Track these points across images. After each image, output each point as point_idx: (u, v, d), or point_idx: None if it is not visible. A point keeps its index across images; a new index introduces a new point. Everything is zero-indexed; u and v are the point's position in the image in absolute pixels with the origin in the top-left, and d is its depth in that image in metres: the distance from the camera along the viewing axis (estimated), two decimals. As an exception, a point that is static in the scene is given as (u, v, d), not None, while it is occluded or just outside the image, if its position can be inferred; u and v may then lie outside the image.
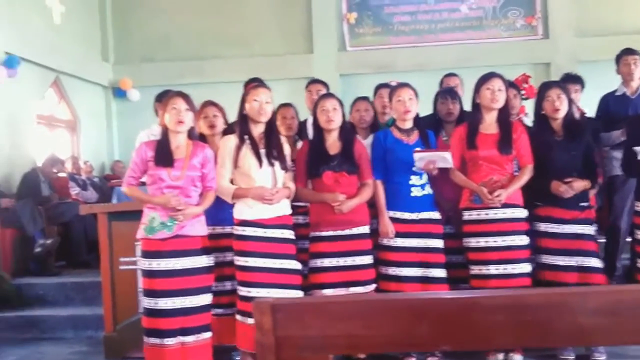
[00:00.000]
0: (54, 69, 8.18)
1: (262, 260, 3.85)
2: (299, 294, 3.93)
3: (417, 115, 4.33)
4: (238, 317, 3.91)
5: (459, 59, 9.10)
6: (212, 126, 4.28)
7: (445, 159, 4.10)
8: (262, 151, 3.91)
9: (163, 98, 4.05)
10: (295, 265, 3.95)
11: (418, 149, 4.14)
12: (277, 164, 3.92)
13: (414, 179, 4.20)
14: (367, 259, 4.14)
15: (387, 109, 4.87)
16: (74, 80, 8.76)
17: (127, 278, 4.64)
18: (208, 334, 3.85)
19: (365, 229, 4.18)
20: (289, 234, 3.98)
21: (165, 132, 3.82)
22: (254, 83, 4.21)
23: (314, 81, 5.45)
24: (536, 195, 4.23)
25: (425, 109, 4.64)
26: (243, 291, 3.87)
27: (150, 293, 3.73)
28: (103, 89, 9.62)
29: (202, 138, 4.33)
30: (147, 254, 3.75)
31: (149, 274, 3.73)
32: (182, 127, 3.77)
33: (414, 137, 4.27)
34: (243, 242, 3.88)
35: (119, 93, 9.56)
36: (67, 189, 7.45)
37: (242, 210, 3.90)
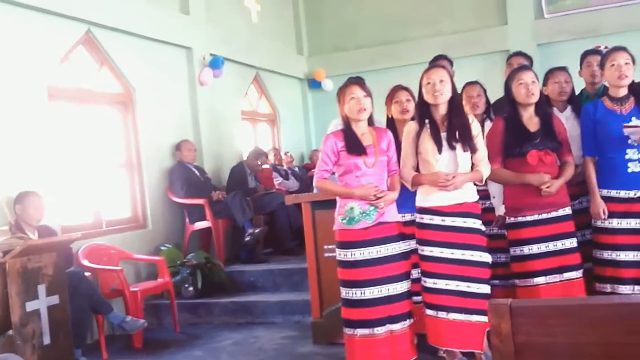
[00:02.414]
0: (254, 65, 8.57)
1: (439, 250, 3.66)
2: (485, 288, 3.67)
3: (633, 81, 3.84)
4: (426, 310, 3.75)
5: (675, 15, 8.07)
6: (404, 111, 4.16)
7: None
8: (443, 135, 3.69)
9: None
10: (483, 257, 3.69)
11: (627, 123, 3.67)
12: (459, 147, 3.67)
13: (631, 153, 3.76)
14: (574, 242, 3.84)
15: (596, 78, 4.42)
16: (272, 75, 9.11)
17: (331, 265, 4.64)
18: (411, 321, 3.77)
19: (568, 210, 3.87)
20: (473, 222, 3.71)
21: (347, 122, 3.76)
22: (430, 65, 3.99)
23: (517, 54, 5.09)
24: None
25: (638, 74, 4.12)
26: (422, 281, 3.75)
27: (355, 284, 3.68)
28: (299, 81, 9.92)
29: (392, 122, 4.24)
30: (347, 245, 3.70)
31: (352, 264, 3.68)
32: (364, 115, 3.71)
33: (629, 106, 3.81)
34: (422, 231, 3.73)
35: (313, 84, 9.80)
36: (271, 180, 7.79)
37: (421, 197, 3.76)
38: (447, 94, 3.70)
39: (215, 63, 7.35)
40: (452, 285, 3.64)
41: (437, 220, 3.68)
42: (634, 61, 3.82)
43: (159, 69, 6.81)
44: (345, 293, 3.73)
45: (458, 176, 3.63)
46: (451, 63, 5.40)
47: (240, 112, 8.32)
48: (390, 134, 3.85)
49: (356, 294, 3.67)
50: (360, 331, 3.68)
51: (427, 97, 3.72)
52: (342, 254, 3.73)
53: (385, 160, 3.75)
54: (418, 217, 3.75)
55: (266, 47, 8.91)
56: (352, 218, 3.66)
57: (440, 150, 3.67)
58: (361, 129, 3.76)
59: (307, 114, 9.97)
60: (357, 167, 3.68)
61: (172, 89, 7.01)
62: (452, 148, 3.68)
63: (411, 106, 4.19)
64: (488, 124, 4.30)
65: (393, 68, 9.17)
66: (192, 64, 7.24)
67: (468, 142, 3.69)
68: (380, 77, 8.78)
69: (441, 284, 3.65)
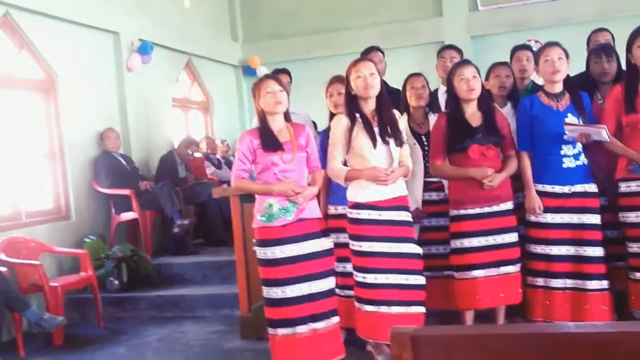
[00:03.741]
0: (186, 52, 8.33)
1: (378, 245, 3.61)
2: (421, 279, 3.68)
3: (568, 76, 3.88)
4: (356, 304, 3.71)
5: (605, 10, 8.26)
6: (337, 105, 4.08)
7: (599, 133, 3.65)
8: (376, 129, 3.63)
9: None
10: (416, 249, 3.69)
11: (568, 120, 3.71)
12: (391, 141, 3.63)
13: (566, 149, 3.79)
14: (515, 237, 3.86)
15: (525, 74, 4.47)
16: (205, 62, 8.89)
17: (259, 259, 4.59)
18: (337, 319, 3.72)
19: (510, 205, 3.88)
20: (406, 215, 3.70)
21: (263, 118, 3.67)
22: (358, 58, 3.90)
23: (448, 47, 5.08)
24: None
25: (571, 68, 4.17)
26: (359, 277, 3.67)
27: (275, 282, 3.59)
28: (233, 69, 9.71)
29: (332, 116, 4.17)
30: (267, 243, 3.60)
31: (272, 262, 3.59)
32: (280, 108, 3.63)
33: (565, 102, 3.84)
34: (356, 226, 3.65)
35: (248, 71, 9.61)
36: (203, 169, 7.61)
37: (356, 192, 3.66)
38: (377, 87, 3.63)
39: (144, 49, 7.10)
40: (392, 279, 3.61)
41: (374, 215, 3.63)
42: (567, 56, 3.84)
43: (83, 54, 6.53)
44: (266, 292, 3.64)
45: (396, 170, 3.60)
46: (383, 55, 5.37)
47: (171, 99, 8.08)
48: (308, 129, 3.79)
49: (277, 293, 3.59)
50: (281, 331, 3.60)
51: (359, 91, 3.63)
52: (262, 252, 3.63)
53: (303, 156, 3.68)
54: (354, 213, 3.66)
55: (199, 33, 8.67)
56: (271, 215, 3.57)
57: (375, 145, 3.61)
58: (278, 125, 3.67)
59: (242, 102, 9.77)
60: (274, 164, 3.59)
61: (98, 75, 6.74)
62: (386, 143, 3.63)
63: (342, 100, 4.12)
64: (432, 118, 4.25)
65: (329, 57, 9.07)
66: (119, 49, 6.96)
67: (398, 137, 3.66)
68: (316, 66, 8.71)
69: (382, 278, 3.60)
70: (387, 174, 3.55)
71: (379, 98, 3.67)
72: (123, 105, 7.00)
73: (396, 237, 3.63)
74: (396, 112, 3.79)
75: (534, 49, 4.65)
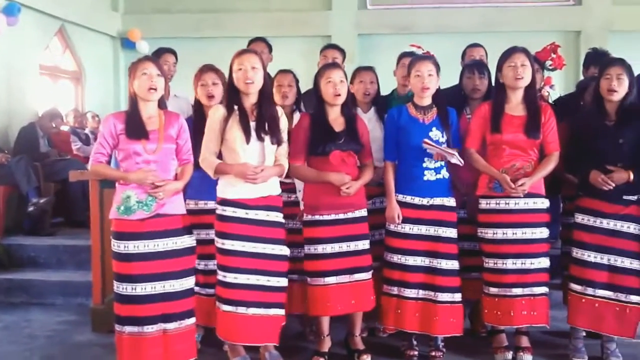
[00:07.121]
0: (59, 17, 7.80)
1: (241, 244, 3.54)
2: (283, 281, 3.66)
3: (438, 89, 3.94)
4: (217, 302, 3.63)
5: (484, 23, 8.71)
6: (210, 96, 3.93)
7: (452, 157, 3.75)
8: (252, 124, 3.54)
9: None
10: (283, 250, 3.65)
11: (427, 140, 3.77)
12: (267, 138, 3.56)
13: (428, 162, 3.84)
14: (367, 244, 3.87)
15: (408, 81, 4.49)
16: (80, 30, 8.38)
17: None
18: (192, 320, 3.58)
19: (364, 212, 3.89)
20: (276, 216, 3.66)
21: (134, 101, 3.46)
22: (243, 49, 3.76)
23: (330, 46, 5.03)
24: (580, 185, 3.90)
25: (445, 75, 4.20)
26: (220, 275, 3.59)
27: (126, 278, 3.40)
28: (111, 40, 9.24)
29: (200, 107, 4.00)
30: (122, 236, 3.40)
31: (125, 257, 3.40)
32: (154, 95, 3.43)
33: (431, 115, 3.89)
34: (222, 223, 3.57)
35: (127, 44, 9.17)
36: (68, 144, 7.16)
37: (224, 188, 3.57)
38: (258, 82, 3.54)
39: (10, 10, 6.54)
40: (253, 279, 3.56)
41: (240, 213, 3.54)
42: (438, 71, 3.89)
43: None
44: (117, 287, 3.44)
45: (266, 169, 3.52)
46: (270, 48, 5.24)
47: (38, 67, 7.53)
48: (182, 119, 3.61)
49: (127, 289, 3.40)
50: (128, 329, 3.43)
51: (239, 84, 3.54)
52: (116, 245, 3.43)
53: (171, 148, 3.50)
54: (220, 209, 3.57)
55: (75, -1, 8.13)
56: (128, 207, 3.37)
57: (248, 140, 3.51)
58: (149, 111, 3.47)
59: (118, 76, 9.30)
60: (137, 153, 3.39)
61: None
62: (261, 139, 3.54)
63: (218, 90, 3.97)
64: (297, 117, 4.17)
65: (218, 38, 8.88)
66: (-19, 8, 6.40)
67: (276, 135, 3.59)
68: (203, 46, 8.44)
69: (242, 278, 3.54)
70: (255, 171, 3.48)
71: (261, 92, 3.59)
72: (-19, 70, 6.45)
73: (263, 238, 3.59)
74: (279, 109, 3.71)
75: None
